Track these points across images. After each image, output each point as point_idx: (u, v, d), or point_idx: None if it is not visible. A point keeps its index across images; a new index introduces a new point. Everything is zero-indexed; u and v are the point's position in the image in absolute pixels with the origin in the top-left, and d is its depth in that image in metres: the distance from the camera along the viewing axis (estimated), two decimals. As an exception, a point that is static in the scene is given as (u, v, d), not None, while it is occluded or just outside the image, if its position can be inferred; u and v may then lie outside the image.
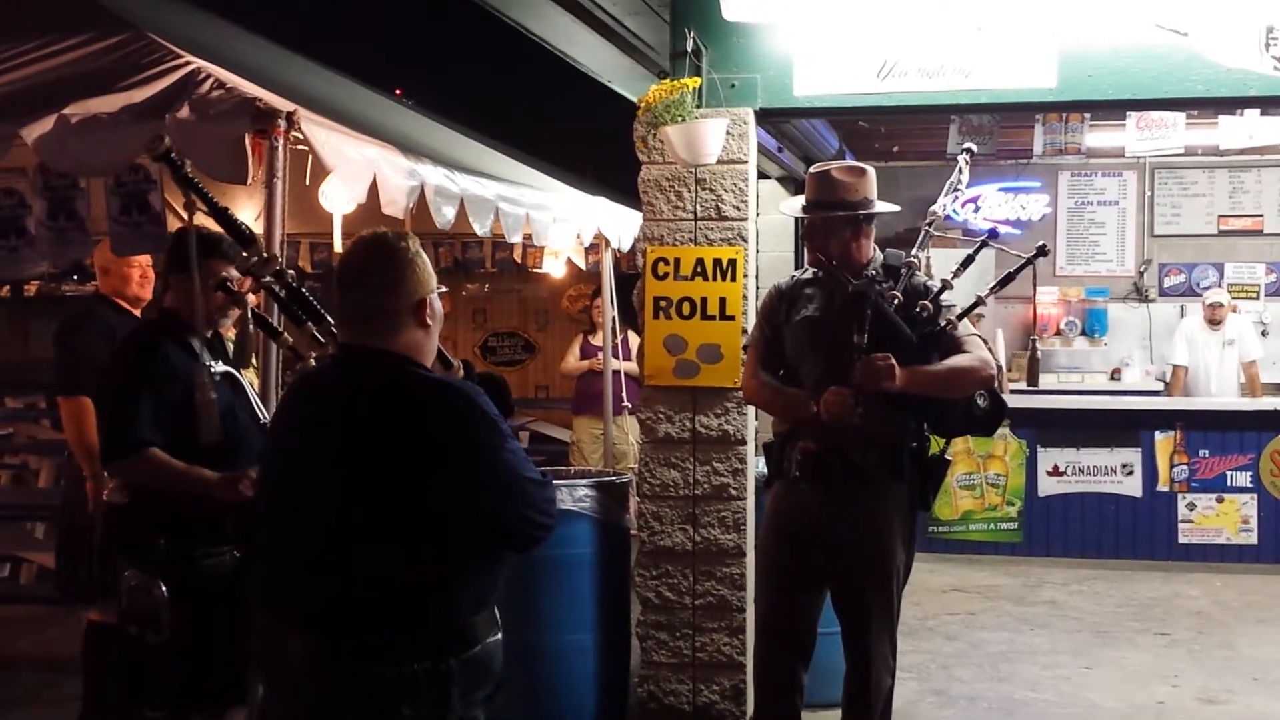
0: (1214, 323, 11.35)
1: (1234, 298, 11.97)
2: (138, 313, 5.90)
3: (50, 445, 9.79)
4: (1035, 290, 5.28)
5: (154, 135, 4.18)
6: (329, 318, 3.76)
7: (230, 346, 4.71)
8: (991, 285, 5.01)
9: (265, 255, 4.04)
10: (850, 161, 5.09)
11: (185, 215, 4.22)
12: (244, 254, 4.11)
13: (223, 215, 3.99)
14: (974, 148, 5.41)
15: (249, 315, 4.41)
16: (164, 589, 4.22)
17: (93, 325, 5.81)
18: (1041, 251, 4.97)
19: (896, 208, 5.03)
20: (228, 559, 4.37)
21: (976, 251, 5.03)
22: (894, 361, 4.56)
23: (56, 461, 9.13)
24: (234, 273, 4.52)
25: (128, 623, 4.30)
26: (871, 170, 4.95)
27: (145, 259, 5.83)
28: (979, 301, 4.95)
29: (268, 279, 4.01)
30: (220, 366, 4.50)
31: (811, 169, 5.01)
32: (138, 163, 5.33)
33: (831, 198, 4.85)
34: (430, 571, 2.99)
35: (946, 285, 4.84)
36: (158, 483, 4.32)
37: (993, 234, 5.09)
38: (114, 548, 4.52)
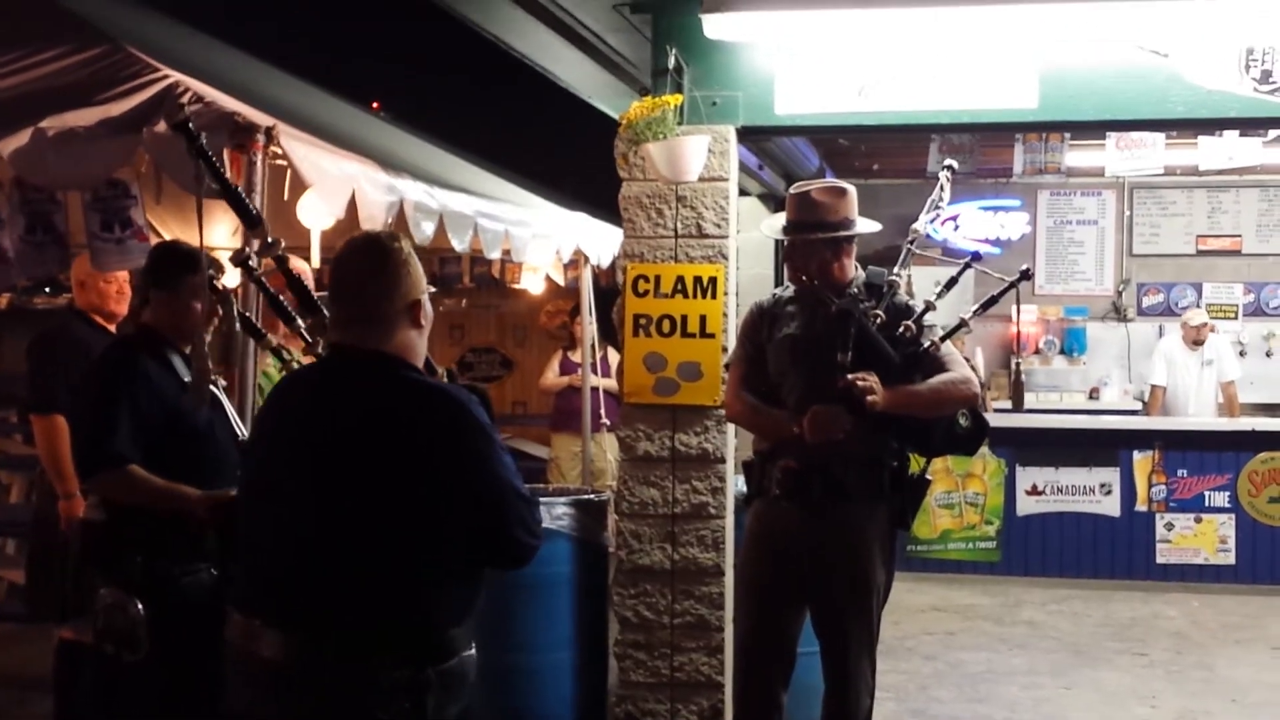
0: (1197, 343, 11.38)
1: (1212, 318, 11.99)
2: (112, 328, 5.85)
3: (22, 460, 9.70)
4: (1018, 311, 5.27)
5: (174, 103, 4.17)
6: (324, 310, 3.75)
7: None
8: (975, 308, 4.99)
9: (271, 239, 4.01)
10: (830, 181, 5.07)
11: (164, 232, 4.20)
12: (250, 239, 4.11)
13: (232, 193, 3.97)
14: (955, 165, 5.40)
15: (235, 315, 4.37)
16: (140, 607, 4.16)
17: (66, 341, 5.75)
18: (1025, 275, 4.98)
19: (877, 226, 5.01)
20: (205, 576, 4.31)
21: (960, 274, 5.01)
22: (876, 381, 4.54)
23: (28, 477, 9.04)
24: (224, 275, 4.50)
25: (103, 641, 4.23)
26: (852, 189, 4.93)
27: (123, 274, 5.79)
28: (962, 323, 4.94)
29: (263, 270, 4.00)
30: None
31: (791, 189, 4.99)
32: (116, 178, 5.31)
33: (811, 219, 4.83)
34: (414, 579, 2.97)
35: (930, 306, 4.83)
36: (136, 498, 4.26)
37: (976, 256, 5.08)
38: (90, 565, 4.46)
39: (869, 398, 4.52)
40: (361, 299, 3.13)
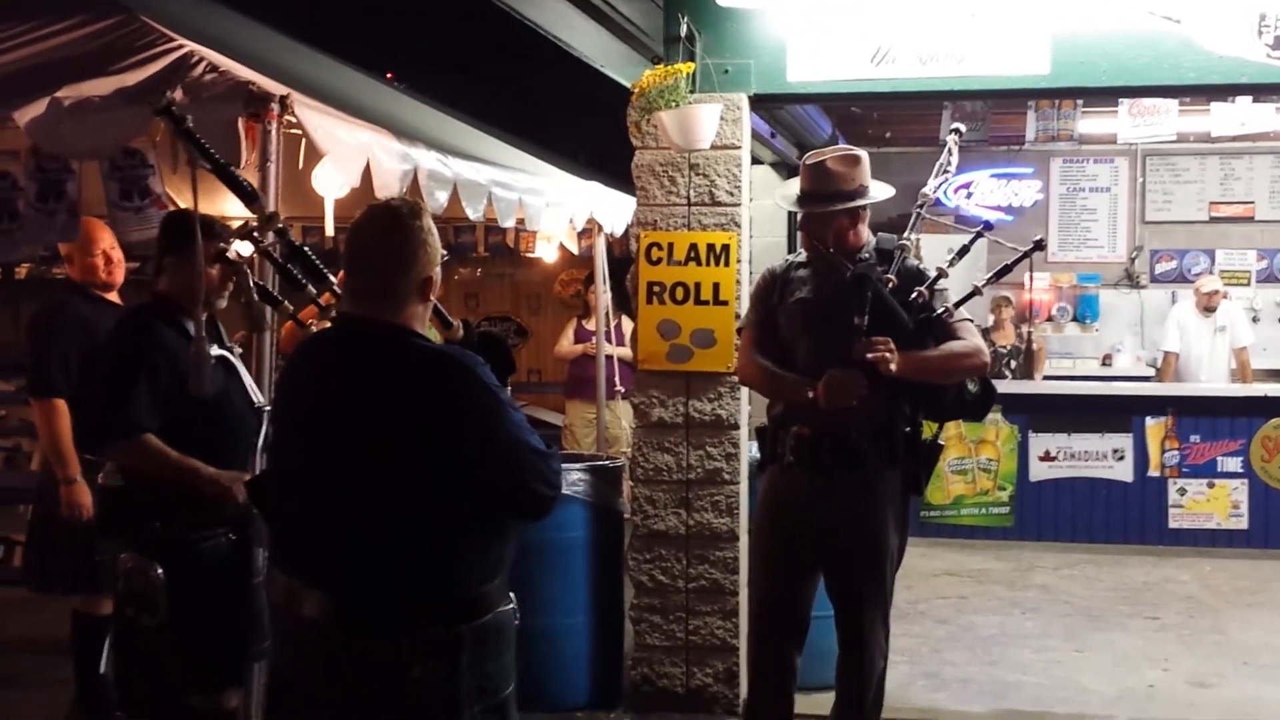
0: (1209, 309, 11.36)
1: (1225, 284, 11.97)
2: (111, 297, 5.80)
3: (42, 428, 9.74)
4: (1030, 280, 5.30)
5: (158, 90, 4.17)
6: (331, 278, 3.79)
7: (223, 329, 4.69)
8: (987, 277, 5.02)
9: (269, 212, 4.02)
10: (844, 148, 5.07)
11: (180, 201, 4.21)
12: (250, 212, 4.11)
13: (224, 171, 3.98)
14: (962, 128, 5.39)
15: (251, 285, 4.39)
16: (160, 571, 4.20)
17: (63, 320, 5.67)
18: (1038, 246, 5.00)
19: (891, 190, 5.00)
20: (224, 542, 4.34)
21: (971, 243, 5.02)
22: (892, 346, 4.56)
23: (45, 445, 9.09)
24: (234, 244, 4.50)
25: (124, 605, 4.28)
26: (865, 156, 4.93)
27: (108, 242, 5.76)
28: (975, 291, 4.96)
29: (268, 241, 4.01)
30: (215, 350, 4.47)
31: (805, 159, 4.98)
32: (132, 147, 5.33)
33: (826, 189, 4.84)
34: (438, 541, 3.02)
35: (942, 274, 4.84)
36: (149, 469, 4.29)
37: (988, 226, 5.10)
38: (109, 530, 4.51)
39: (884, 364, 4.55)
40: (377, 273, 3.15)
